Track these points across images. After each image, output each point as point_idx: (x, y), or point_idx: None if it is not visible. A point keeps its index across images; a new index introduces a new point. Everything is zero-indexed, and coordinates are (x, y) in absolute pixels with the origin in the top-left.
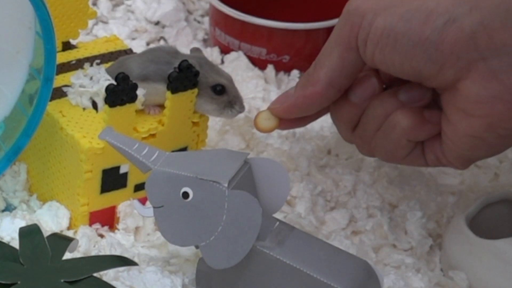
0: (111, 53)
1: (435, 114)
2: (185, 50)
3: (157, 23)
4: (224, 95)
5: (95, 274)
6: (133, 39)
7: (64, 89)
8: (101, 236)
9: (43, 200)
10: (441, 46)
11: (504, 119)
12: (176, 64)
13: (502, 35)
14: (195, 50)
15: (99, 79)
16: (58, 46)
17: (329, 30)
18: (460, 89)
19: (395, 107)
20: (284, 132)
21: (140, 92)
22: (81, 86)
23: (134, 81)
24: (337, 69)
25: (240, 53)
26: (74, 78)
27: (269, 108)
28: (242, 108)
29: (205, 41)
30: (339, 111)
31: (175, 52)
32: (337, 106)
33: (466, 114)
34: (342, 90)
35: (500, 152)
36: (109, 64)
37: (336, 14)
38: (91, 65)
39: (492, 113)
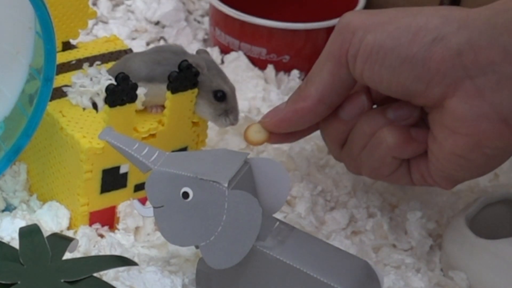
0: (111, 53)
1: (422, 132)
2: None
3: (157, 23)
4: (223, 102)
5: (95, 274)
6: (133, 39)
7: (64, 89)
8: (101, 236)
9: (43, 200)
10: (428, 64)
11: (490, 138)
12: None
13: (488, 53)
14: (202, 52)
15: (99, 80)
16: (58, 46)
17: (329, 30)
18: (446, 107)
19: (383, 125)
20: None
21: (140, 91)
22: (81, 85)
23: (140, 82)
24: (328, 85)
25: (240, 53)
26: (75, 77)
27: (259, 121)
28: (235, 121)
29: (205, 41)
30: (329, 127)
31: (182, 53)
32: (326, 122)
33: (452, 132)
34: (333, 107)
35: (486, 173)
36: (109, 64)
37: (336, 14)
38: (91, 65)
39: (478, 132)
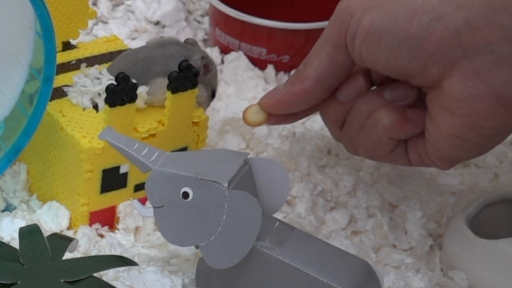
0: (111, 53)
1: (418, 113)
2: None
3: (157, 23)
4: (212, 100)
5: (95, 274)
6: (133, 39)
7: (64, 89)
8: (101, 236)
9: (43, 200)
10: (425, 44)
11: (486, 118)
12: (195, 57)
13: (485, 33)
14: (192, 41)
15: (101, 80)
16: (58, 46)
17: None
18: (443, 87)
19: (380, 106)
20: (284, 132)
21: (142, 89)
22: (82, 85)
23: (159, 78)
24: (326, 68)
25: (240, 53)
26: (76, 77)
27: (258, 103)
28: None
29: (205, 41)
30: (327, 109)
31: (185, 46)
32: (325, 104)
33: (449, 112)
34: (330, 90)
35: (483, 153)
36: (109, 64)
37: None
38: (90, 65)
39: (474, 112)
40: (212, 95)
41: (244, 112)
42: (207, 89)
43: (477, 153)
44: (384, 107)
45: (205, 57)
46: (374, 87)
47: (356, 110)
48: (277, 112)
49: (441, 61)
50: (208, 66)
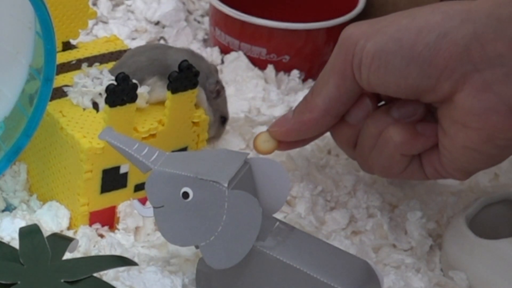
0: (111, 53)
1: (429, 127)
2: None
3: (157, 23)
4: (223, 127)
5: (95, 274)
6: (133, 39)
7: (65, 89)
8: (101, 236)
9: (43, 200)
10: (435, 61)
11: (501, 130)
12: (211, 80)
13: (495, 46)
14: (214, 69)
15: (102, 80)
16: (58, 46)
17: (329, 30)
18: (456, 101)
19: (388, 124)
20: None
21: (143, 89)
22: (83, 86)
23: (153, 76)
24: (334, 98)
25: (240, 53)
26: (77, 77)
27: (268, 131)
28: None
29: (205, 41)
30: (338, 132)
31: (215, 70)
32: (335, 128)
33: (463, 126)
34: (339, 116)
35: (500, 162)
36: (110, 64)
37: (336, 14)
38: (90, 65)
39: (488, 125)
40: (222, 121)
41: (255, 140)
42: (215, 113)
43: (493, 163)
44: (393, 125)
45: (219, 82)
46: (382, 102)
47: (366, 131)
48: (287, 139)
49: (452, 76)
50: (220, 92)
